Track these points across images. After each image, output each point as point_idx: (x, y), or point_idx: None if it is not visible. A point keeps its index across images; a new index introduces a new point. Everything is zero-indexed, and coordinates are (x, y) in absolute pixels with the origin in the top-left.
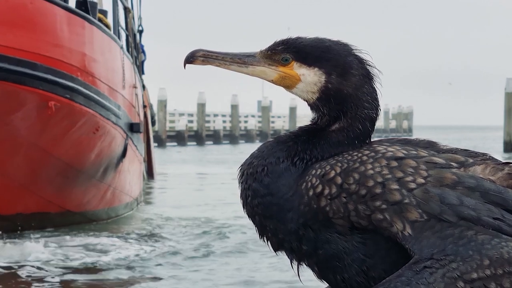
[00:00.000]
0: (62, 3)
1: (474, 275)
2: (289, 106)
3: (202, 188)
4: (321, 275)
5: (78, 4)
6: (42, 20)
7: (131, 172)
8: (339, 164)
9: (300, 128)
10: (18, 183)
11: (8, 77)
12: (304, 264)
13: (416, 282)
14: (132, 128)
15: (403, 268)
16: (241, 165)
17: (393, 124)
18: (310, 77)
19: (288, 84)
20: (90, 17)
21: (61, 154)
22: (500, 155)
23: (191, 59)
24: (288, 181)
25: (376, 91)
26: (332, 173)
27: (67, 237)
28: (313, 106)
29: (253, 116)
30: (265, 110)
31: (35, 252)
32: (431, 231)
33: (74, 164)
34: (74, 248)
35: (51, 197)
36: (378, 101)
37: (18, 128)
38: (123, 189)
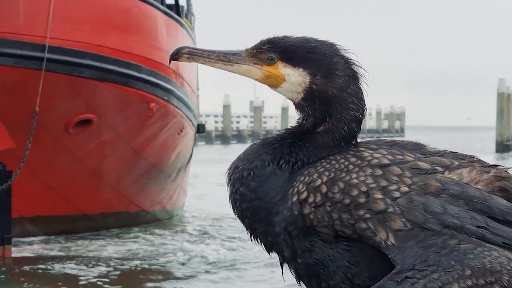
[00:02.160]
0: (162, 7)
1: (455, 286)
2: (281, 106)
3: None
4: (301, 281)
5: (168, 7)
6: (146, 23)
7: (190, 172)
8: (326, 173)
9: (287, 130)
10: (107, 183)
11: (117, 80)
12: (288, 267)
13: None
14: (199, 129)
15: (384, 278)
16: (228, 169)
17: (385, 124)
18: (295, 78)
19: (273, 83)
20: (182, 20)
21: (149, 155)
22: (492, 156)
23: (176, 56)
24: (275, 185)
25: (361, 91)
26: (319, 182)
27: (146, 236)
28: (298, 106)
29: (245, 116)
30: (257, 110)
31: (111, 250)
32: (414, 240)
33: (158, 164)
34: (156, 246)
35: (132, 196)
36: (363, 102)
37: (118, 130)
38: (185, 189)
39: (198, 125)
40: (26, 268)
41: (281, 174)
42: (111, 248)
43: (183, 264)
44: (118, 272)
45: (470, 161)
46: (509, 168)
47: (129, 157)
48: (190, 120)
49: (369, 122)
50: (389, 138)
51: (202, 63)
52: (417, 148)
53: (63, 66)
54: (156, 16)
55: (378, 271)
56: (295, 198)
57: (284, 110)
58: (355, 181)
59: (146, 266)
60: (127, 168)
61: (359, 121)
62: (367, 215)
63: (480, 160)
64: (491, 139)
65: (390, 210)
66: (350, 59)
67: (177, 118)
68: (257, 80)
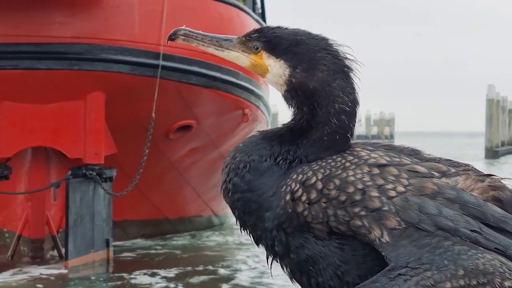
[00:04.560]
0: (254, 15)
1: (448, 285)
2: (271, 112)
3: None
4: (293, 277)
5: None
6: (243, 31)
7: None
8: (322, 170)
9: (285, 125)
10: (191, 188)
11: (219, 86)
12: (277, 263)
13: None
14: None
15: (378, 274)
16: (227, 156)
17: (374, 130)
18: (276, 69)
19: (260, 72)
20: None
21: None
22: (481, 162)
23: (173, 36)
24: (269, 180)
25: (351, 85)
26: (314, 179)
27: (227, 239)
28: (284, 98)
29: None
30: None
31: (199, 253)
32: (408, 239)
33: None
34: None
35: (209, 200)
36: (353, 95)
37: (212, 135)
38: None
39: None
40: (122, 271)
41: (277, 170)
42: (198, 251)
43: None
44: (207, 275)
45: (466, 169)
46: (503, 178)
47: (215, 162)
48: (268, 125)
49: (358, 128)
50: (385, 142)
51: (196, 45)
52: (414, 153)
53: (174, 73)
54: (251, 24)
55: (368, 270)
56: (288, 197)
57: (274, 116)
58: (352, 178)
59: (230, 270)
60: (211, 173)
61: (348, 113)
62: (362, 213)
63: (475, 169)
64: (480, 145)
65: (385, 208)
66: (339, 54)
67: (262, 123)
68: (245, 67)
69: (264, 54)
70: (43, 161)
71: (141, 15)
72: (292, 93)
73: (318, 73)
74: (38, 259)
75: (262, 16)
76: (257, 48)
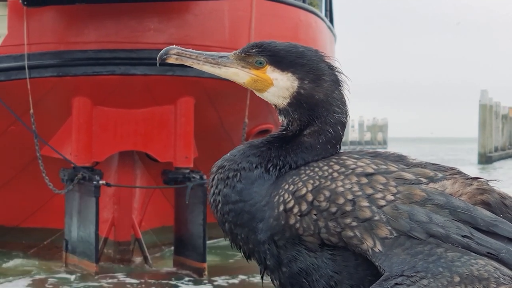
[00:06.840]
0: (328, 21)
1: None
2: None
3: None
4: None
5: None
6: (319, 37)
7: None
8: (311, 181)
9: (272, 135)
10: None
11: None
12: (267, 275)
13: None
14: None
15: (374, 284)
16: (213, 168)
17: (368, 136)
18: (283, 82)
19: (260, 87)
20: (335, 32)
21: None
22: (474, 167)
23: (164, 56)
24: (261, 189)
25: (344, 96)
26: (304, 190)
27: None
28: (282, 111)
29: None
30: None
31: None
32: (401, 248)
33: None
34: None
35: None
36: (347, 106)
37: None
38: None
39: None
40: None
41: (268, 178)
42: None
43: None
44: None
45: (452, 173)
46: (490, 180)
47: None
48: None
49: (351, 134)
50: (371, 149)
51: (190, 64)
52: (400, 159)
53: None
54: (324, 30)
55: (360, 280)
56: (281, 208)
57: None
58: (341, 189)
59: None
60: None
61: (343, 124)
62: (354, 223)
63: (461, 172)
64: (473, 150)
65: (376, 218)
66: (333, 66)
67: None
68: (243, 84)
69: (268, 68)
70: (131, 165)
71: (231, 21)
72: (295, 105)
73: (323, 84)
74: (125, 261)
75: (330, 20)
76: (261, 63)
